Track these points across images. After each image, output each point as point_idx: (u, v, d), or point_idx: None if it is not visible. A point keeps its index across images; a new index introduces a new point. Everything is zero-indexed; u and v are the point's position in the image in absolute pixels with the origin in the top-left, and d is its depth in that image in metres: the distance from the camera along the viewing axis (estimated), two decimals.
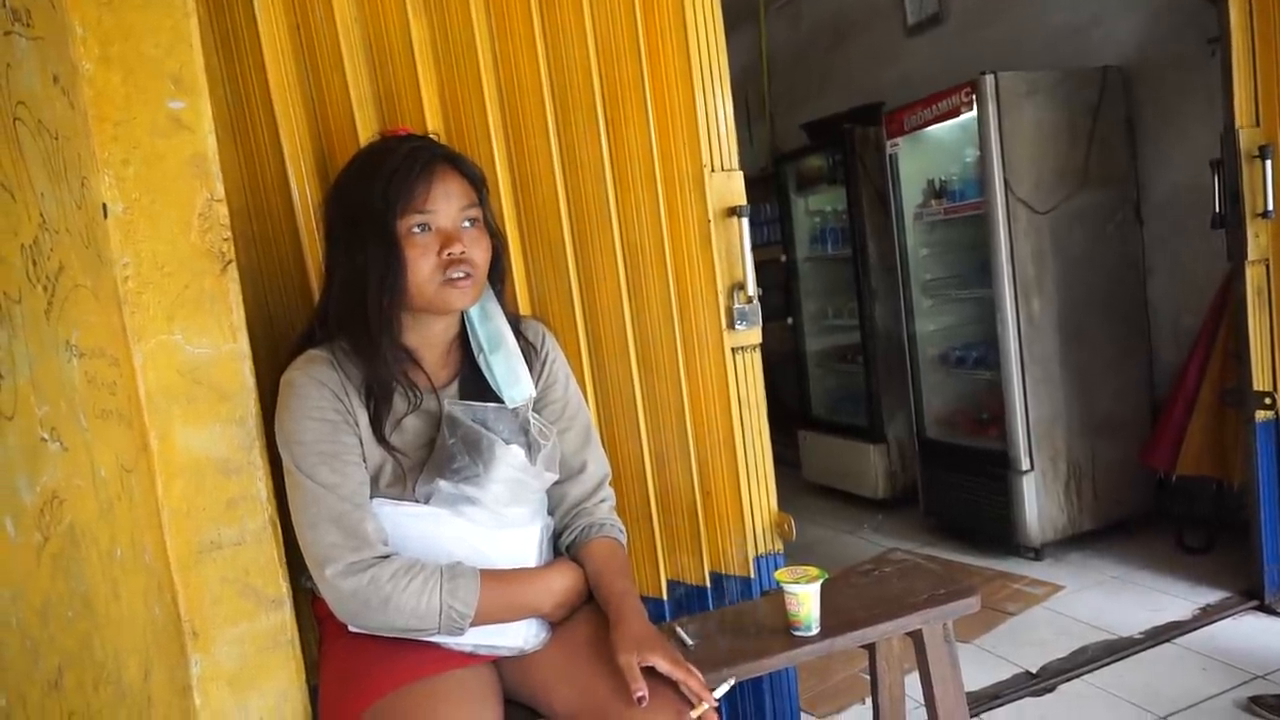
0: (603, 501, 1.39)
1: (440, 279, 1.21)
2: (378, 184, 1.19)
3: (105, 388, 0.99)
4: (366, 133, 1.48)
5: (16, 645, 0.66)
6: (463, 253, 1.21)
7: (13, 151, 0.79)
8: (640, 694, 1.10)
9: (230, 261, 1.22)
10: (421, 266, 1.20)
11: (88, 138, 1.11)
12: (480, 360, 1.31)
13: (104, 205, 1.14)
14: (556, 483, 1.34)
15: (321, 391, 1.19)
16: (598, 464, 1.41)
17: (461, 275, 1.21)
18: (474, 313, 1.32)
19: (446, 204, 1.22)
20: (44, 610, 0.72)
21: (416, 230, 1.20)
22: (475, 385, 1.31)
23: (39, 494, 0.74)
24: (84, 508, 0.85)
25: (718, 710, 1.15)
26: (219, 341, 1.21)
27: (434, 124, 1.56)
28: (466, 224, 1.24)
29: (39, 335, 0.79)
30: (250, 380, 1.24)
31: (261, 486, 1.24)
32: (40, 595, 0.72)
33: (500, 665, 1.28)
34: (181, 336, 1.19)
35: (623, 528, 1.40)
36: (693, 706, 1.13)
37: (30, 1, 0.92)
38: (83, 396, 0.90)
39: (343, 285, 1.22)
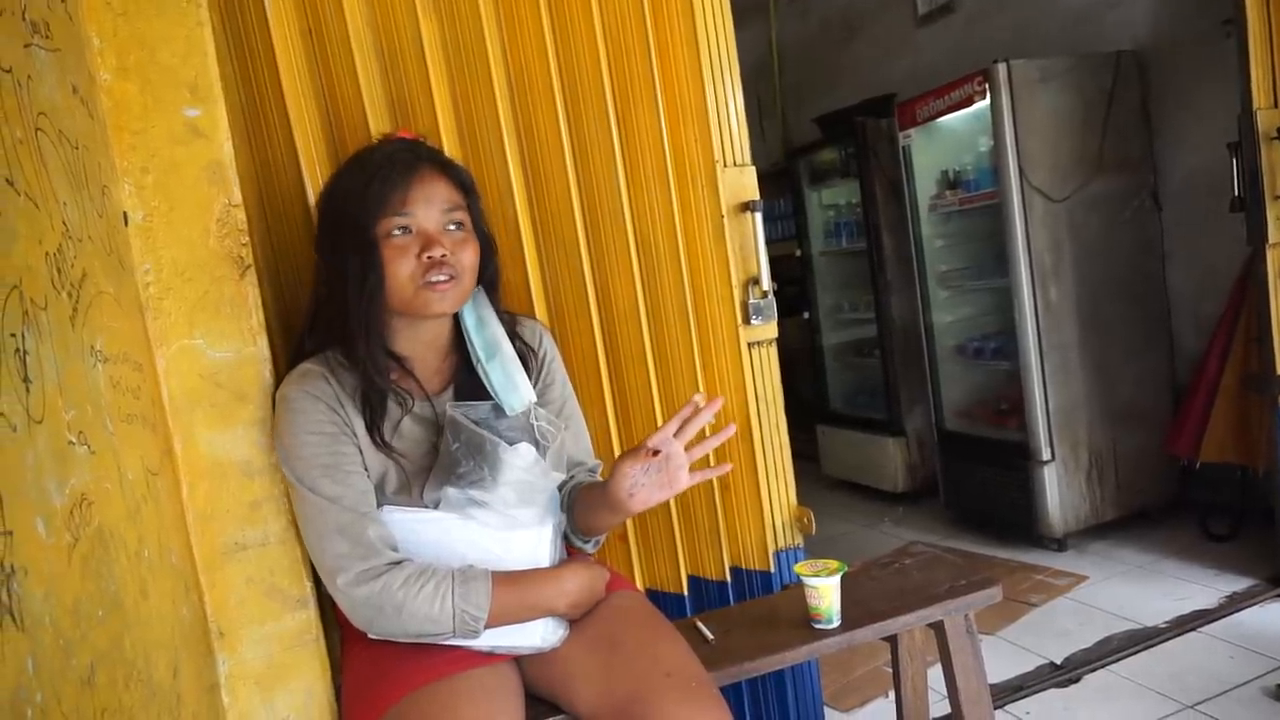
0: (588, 471, 1.44)
1: (419, 282, 1.20)
2: (356, 188, 1.20)
3: (130, 392, 1.01)
4: (380, 134, 1.49)
5: (50, 643, 0.67)
6: (444, 255, 1.20)
7: (35, 162, 0.81)
8: (648, 447, 1.20)
9: (249, 266, 1.23)
10: (399, 269, 1.19)
11: (107, 147, 1.13)
12: (479, 369, 1.31)
13: (124, 213, 1.15)
14: None
15: (316, 405, 1.20)
16: (590, 457, 1.46)
17: (443, 279, 1.20)
18: (469, 320, 1.31)
19: (427, 207, 1.21)
20: (75, 609, 0.73)
21: (397, 233, 1.20)
22: (472, 389, 1.31)
23: (68, 496, 0.75)
24: (112, 510, 0.86)
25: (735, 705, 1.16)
26: (239, 345, 1.23)
27: (446, 124, 1.57)
28: (452, 227, 1.23)
29: (65, 341, 0.81)
30: (270, 383, 1.25)
31: (284, 488, 1.25)
32: (72, 594, 0.73)
33: (522, 662, 1.28)
34: (203, 341, 1.21)
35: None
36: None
37: (49, 14, 0.94)
38: (108, 401, 0.91)
39: (329, 290, 1.24)
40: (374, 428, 1.22)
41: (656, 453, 1.21)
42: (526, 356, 1.35)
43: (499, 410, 1.28)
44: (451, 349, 1.33)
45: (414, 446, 1.26)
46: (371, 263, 1.19)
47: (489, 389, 1.29)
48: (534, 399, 1.32)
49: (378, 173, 1.19)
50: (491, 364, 1.30)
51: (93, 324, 0.91)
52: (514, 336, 1.35)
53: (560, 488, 1.39)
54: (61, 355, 0.79)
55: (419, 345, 1.29)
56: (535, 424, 1.29)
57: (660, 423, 1.71)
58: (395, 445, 1.24)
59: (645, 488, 1.23)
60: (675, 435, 1.22)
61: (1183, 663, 2.29)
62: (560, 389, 1.41)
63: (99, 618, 0.78)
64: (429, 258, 1.20)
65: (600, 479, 1.42)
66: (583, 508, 1.34)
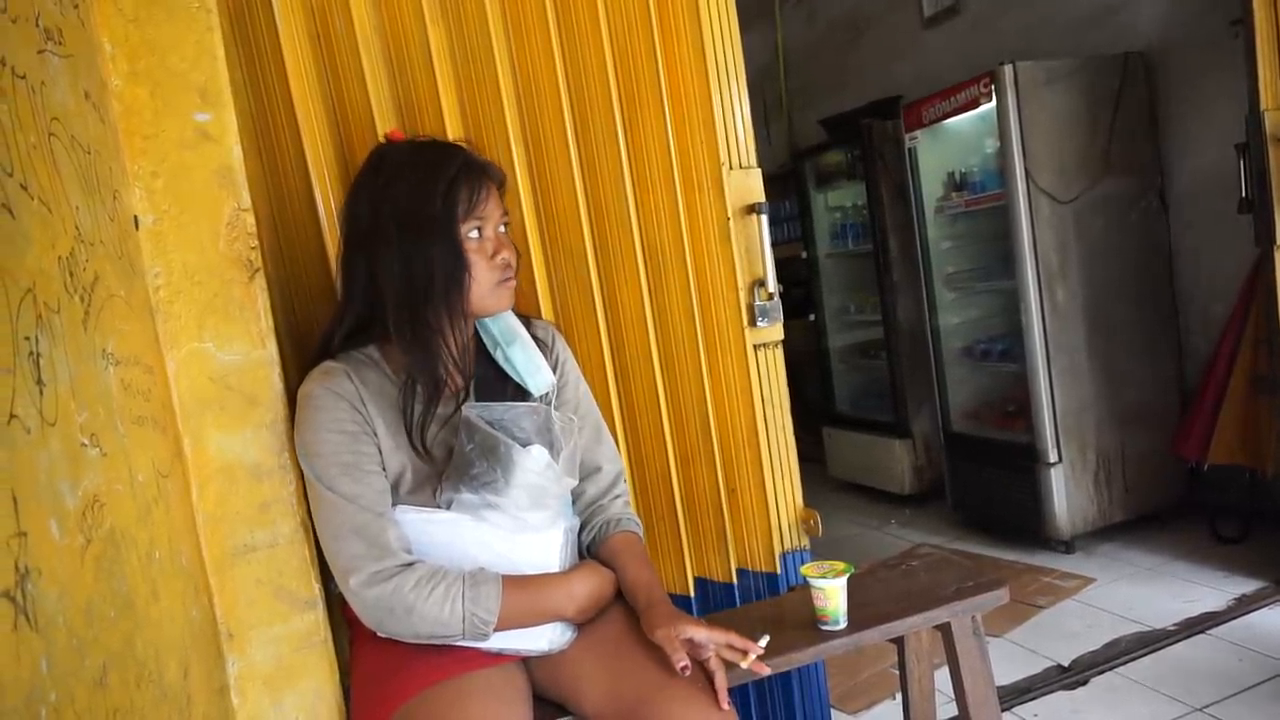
0: (617, 498, 1.42)
1: (496, 279, 1.26)
2: (438, 189, 1.21)
3: (140, 395, 1.02)
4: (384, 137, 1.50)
5: (64, 643, 0.68)
6: (510, 257, 1.28)
7: (48, 167, 0.82)
8: (683, 664, 1.13)
9: (258, 270, 1.24)
10: (480, 269, 1.25)
11: (118, 151, 1.14)
12: (498, 356, 1.33)
13: (135, 217, 1.16)
14: None
15: (338, 403, 1.21)
16: (612, 461, 1.44)
17: (509, 277, 1.28)
18: None
19: (493, 211, 1.27)
20: (88, 610, 0.74)
21: (474, 235, 1.25)
22: (490, 386, 1.33)
23: (80, 498, 0.76)
24: (123, 512, 0.87)
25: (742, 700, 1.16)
26: (248, 348, 1.24)
27: (453, 129, 1.58)
28: (502, 229, 1.29)
29: (77, 344, 0.82)
30: (279, 385, 1.26)
31: (293, 490, 1.26)
32: (84, 595, 0.74)
33: (530, 663, 1.29)
34: (212, 344, 1.21)
35: (639, 521, 1.42)
36: (730, 683, 1.16)
37: (61, 20, 0.95)
38: (119, 403, 0.92)
39: (402, 288, 1.22)
40: (418, 425, 1.23)
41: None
42: (541, 353, 1.37)
43: (518, 410, 1.28)
44: (470, 346, 1.35)
45: (434, 448, 1.27)
46: (460, 262, 1.23)
47: (512, 373, 1.32)
48: (554, 381, 1.36)
49: (459, 174, 1.23)
50: (513, 348, 1.33)
51: (104, 327, 0.91)
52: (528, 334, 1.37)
53: (580, 529, 1.39)
54: (74, 358, 0.80)
55: (458, 345, 1.30)
56: (555, 424, 1.29)
57: (665, 424, 1.72)
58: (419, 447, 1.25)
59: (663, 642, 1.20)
60: (716, 643, 1.19)
61: (1191, 665, 2.28)
62: (574, 389, 1.42)
63: (111, 619, 0.79)
64: (503, 259, 1.27)
65: (638, 533, 1.40)
66: (612, 566, 1.33)
